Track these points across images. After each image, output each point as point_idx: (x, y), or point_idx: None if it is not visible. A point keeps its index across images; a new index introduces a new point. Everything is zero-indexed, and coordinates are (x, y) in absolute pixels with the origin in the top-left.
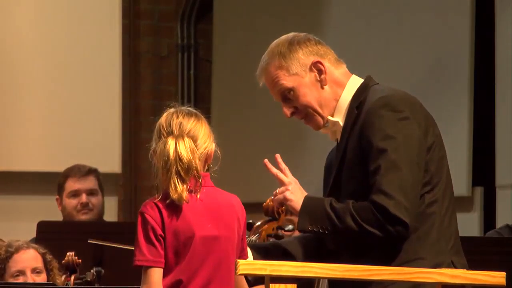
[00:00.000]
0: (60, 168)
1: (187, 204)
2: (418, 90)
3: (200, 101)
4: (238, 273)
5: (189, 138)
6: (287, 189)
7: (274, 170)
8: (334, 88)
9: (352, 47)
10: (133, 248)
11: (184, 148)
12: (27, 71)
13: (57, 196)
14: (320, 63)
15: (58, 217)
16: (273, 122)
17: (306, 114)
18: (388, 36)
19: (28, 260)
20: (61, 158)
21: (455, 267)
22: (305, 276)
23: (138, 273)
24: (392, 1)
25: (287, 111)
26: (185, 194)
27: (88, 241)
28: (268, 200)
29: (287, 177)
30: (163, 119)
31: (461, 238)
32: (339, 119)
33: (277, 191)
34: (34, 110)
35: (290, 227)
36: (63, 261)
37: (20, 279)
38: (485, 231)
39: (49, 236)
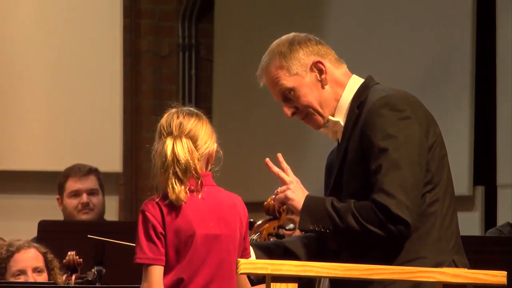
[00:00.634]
0: (61, 167)
1: (189, 203)
2: (419, 89)
3: (201, 101)
4: (239, 272)
5: (188, 138)
6: (288, 188)
7: (275, 169)
8: (334, 88)
9: (353, 46)
10: (133, 244)
11: (181, 149)
12: (28, 71)
13: (58, 196)
14: (321, 63)
15: (59, 216)
16: (274, 121)
17: (307, 114)
18: (389, 35)
19: (29, 259)
20: (62, 158)
21: (456, 266)
22: (306, 276)
23: (139, 272)
24: (393, 1)
25: (288, 111)
26: (183, 195)
27: (88, 236)
28: (269, 199)
29: (289, 176)
30: (163, 120)
31: (462, 237)
32: (340, 119)
33: (279, 190)
34: (35, 109)
35: (291, 226)
36: (64, 261)
37: (21, 279)
38: (486, 230)
39: (50, 235)
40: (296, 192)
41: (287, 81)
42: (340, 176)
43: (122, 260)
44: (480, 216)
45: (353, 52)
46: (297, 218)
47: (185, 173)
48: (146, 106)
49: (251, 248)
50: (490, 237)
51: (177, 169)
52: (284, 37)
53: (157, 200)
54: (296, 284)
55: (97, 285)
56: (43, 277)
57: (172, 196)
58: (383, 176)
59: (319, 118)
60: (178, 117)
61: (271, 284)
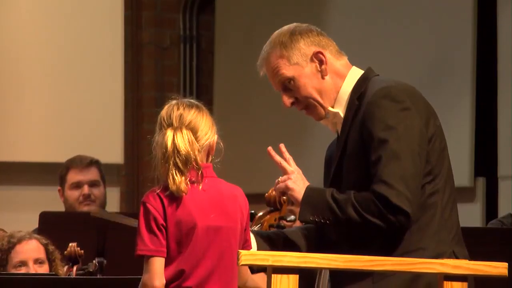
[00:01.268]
0: (63, 159)
1: (190, 195)
2: (421, 81)
3: (202, 93)
4: (241, 264)
5: (189, 130)
6: (289, 178)
7: (277, 158)
8: (334, 79)
9: (353, 41)
10: (135, 225)
11: (182, 140)
12: (29, 63)
13: (59, 188)
14: (321, 53)
15: (61, 207)
16: (275, 113)
17: (307, 104)
18: (390, 31)
19: (31, 251)
20: (64, 149)
21: (456, 257)
22: (307, 267)
23: (140, 264)
24: None
25: (287, 101)
26: (183, 186)
27: (91, 214)
28: (270, 191)
29: (291, 166)
30: (164, 111)
31: (463, 229)
32: (340, 110)
33: (279, 179)
34: (36, 101)
35: (292, 217)
36: (66, 252)
37: (23, 270)
38: (487, 221)
39: (51, 226)
40: (297, 183)
41: (287, 71)
42: (340, 167)
43: (123, 252)
44: (481, 207)
45: (354, 46)
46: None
47: (186, 164)
48: (148, 98)
49: (251, 237)
50: (491, 228)
51: (178, 160)
52: (285, 27)
53: (158, 191)
54: (297, 275)
55: (98, 277)
56: (44, 269)
57: (172, 187)
58: (383, 167)
59: (320, 109)
60: (178, 108)
61: (272, 275)
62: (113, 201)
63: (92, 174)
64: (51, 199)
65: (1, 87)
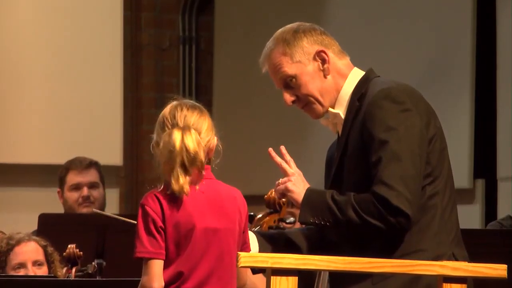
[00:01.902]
0: (62, 160)
1: (188, 196)
2: (420, 82)
3: (202, 93)
4: (240, 266)
5: (196, 130)
6: (289, 180)
7: (278, 159)
8: (336, 78)
9: (353, 40)
10: (135, 221)
11: (191, 140)
12: (28, 64)
13: (59, 189)
14: (324, 52)
15: (60, 209)
16: (274, 114)
17: (307, 102)
18: (389, 30)
19: (29, 252)
20: (63, 151)
21: (456, 259)
22: (306, 269)
23: (139, 265)
24: None
25: (288, 99)
26: (186, 187)
27: (93, 210)
28: (269, 192)
29: (291, 168)
30: (166, 111)
31: (462, 230)
32: (340, 111)
33: (280, 181)
34: (35, 102)
35: (292, 219)
36: (64, 254)
37: (21, 272)
38: (487, 223)
39: (50, 228)
40: (297, 184)
41: (289, 68)
42: (341, 168)
43: (122, 253)
44: (481, 209)
45: (353, 46)
46: (297, 211)
47: (192, 163)
48: (147, 99)
49: (253, 236)
50: (490, 230)
51: (185, 159)
52: (289, 25)
53: (158, 192)
54: (297, 277)
55: (97, 278)
56: (43, 270)
57: (175, 186)
58: (384, 168)
59: (319, 107)
60: (182, 109)
61: (271, 277)
62: (112, 203)
63: (92, 175)
64: (50, 201)
65: (0, 88)
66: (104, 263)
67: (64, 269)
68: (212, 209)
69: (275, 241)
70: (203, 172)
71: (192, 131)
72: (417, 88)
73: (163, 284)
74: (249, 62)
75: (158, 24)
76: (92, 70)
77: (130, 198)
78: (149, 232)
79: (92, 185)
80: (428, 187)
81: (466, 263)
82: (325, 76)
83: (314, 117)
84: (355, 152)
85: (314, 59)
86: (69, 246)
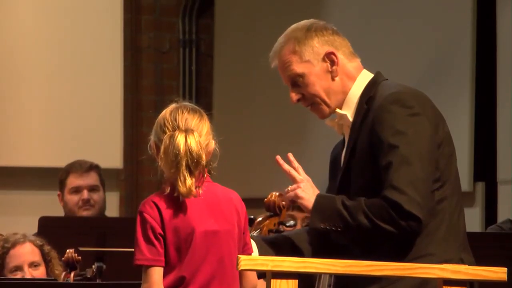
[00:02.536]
0: (62, 163)
1: (187, 200)
2: (420, 85)
3: (202, 96)
4: (240, 269)
5: (197, 133)
6: (298, 187)
7: (286, 166)
8: (344, 80)
9: (353, 41)
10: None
11: (194, 142)
12: (28, 66)
13: (59, 192)
14: (334, 54)
15: (60, 212)
16: (274, 117)
17: (313, 102)
18: (389, 31)
19: (25, 254)
20: (63, 154)
21: (463, 264)
22: (306, 272)
23: (139, 269)
24: None
25: (294, 96)
26: (194, 188)
27: (80, 249)
28: (269, 195)
29: (300, 175)
30: (167, 114)
31: None
32: (348, 113)
33: (289, 188)
34: (35, 106)
35: (292, 222)
36: (63, 258)
37: (18, 275)
38: (487, 226)
39: (50, 231)
40: (307, 191)
41: (298, 67)
42: (348, 172)
43: (122, 257)
44: (481, 212)
45: (352, 46)
46: (297, 214)
47: (196, 166)
48: (147, 102)
49: (253, 243)
50: (490, 233)
51: (190, 162)
52: (302, 22)
53: (157, 198)
54: (297, 280)
55: (97, 282)
56: (40, 271)
57: (182, 189)
58: (393, 172)
59: (325, 108)
60: (183, 112)
61: (272, 280)
62: (112, 206)
63: (92, 179)
64: (50, 204)
65: (0, 91)
66: (104, 266)
67: (63, 274)
68: (211, 211)
69: (277, 247)
70: (205, 175)
71: (195, 133)
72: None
73: None
74: (249, 65)
75: (158, 27)
76: (92, 72)
77: (130, 201)
78: (147, 240)
79: (92, 188)
80: (436, 192)
81: (466, 266)
82: (333, 78)
83: (320, 117)
84: (363, 156)
85: (323, 60)
86: (67, 250)
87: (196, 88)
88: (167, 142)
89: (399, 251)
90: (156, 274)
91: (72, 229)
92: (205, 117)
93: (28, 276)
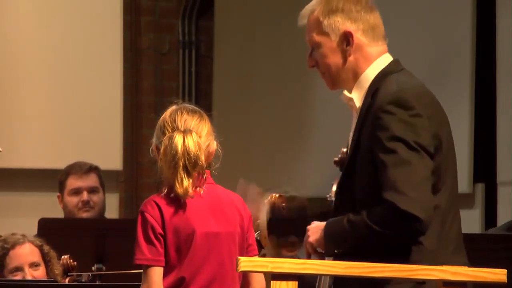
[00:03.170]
0: (62, 165)
1: (188, 201)
2: None
3: (201, 98)
4: (239, 270)
5: (196, 134)
6: (308, 236)
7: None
8: (360, 61)
9: None
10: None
11: (192, 143)
12: (28, 68)
13: (59, 194)
14: (352, 35)
15: (60, 214)
16: (274, 118)
17: (323, 72)
18: (389, 32)
19: (25, 255)
20: (63, 155)
21: None
22: (306, 273)
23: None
24: None
25: (309, 61)
26: (190, 189)
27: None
28: (269, 197)
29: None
30: (167, 115)
31: (463, 235)
32: (356, 96)
33: (303, 243)
34: (35, 107)
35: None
36: (59, 264)
37: (18, 275)
38: (486, 227)
39: (50, 233)
40: (315, 233)
41: (317, 36)
42: (352, 168)
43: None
44: (480, 213)
45: None
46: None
47: (194, 167)
48: (147, 103)
49: None
50: (490, 235)
51: (187, 163)
52: None
53: (158, 198)
54: (296, 282)
55: (97, 283)
56: (40, 272)
57: (179, 189)
58: (392, 173)
59: (331, 82)
60: (182, 113)
61: (271, 281)
62: (112, 207)
63: (92, 180)
64: (50, 205)
65: (0, 93)
66: (104, 268)
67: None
68: (212, 213)
69: None
70: (205, 176)
71: (194, 134)
72: None
73: None
74: (249, 67)
75: (158, 28)
76: (92, 74)
77: (130, 203)
78: (148, 240)
79: (92, 190)
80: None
81: (466, 268)
82: (346, 57)
83: (329, 88)
84: (365, 155)
85: (342, 37)
86: (62, 257)
87: (196, 89)
88: (166, 142)
89: (392, 257)
90: (156, 274)
91: (72, 230)
92: (206, 118)
93: (28, 276)
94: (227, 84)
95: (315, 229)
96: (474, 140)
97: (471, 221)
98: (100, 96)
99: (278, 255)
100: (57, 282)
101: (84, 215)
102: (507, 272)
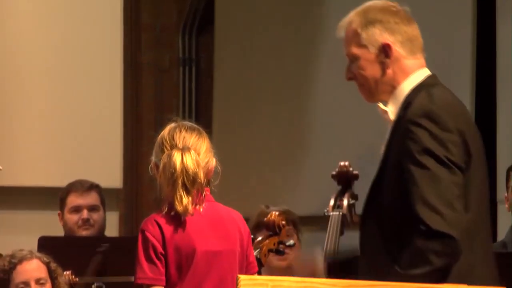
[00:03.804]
0: (62, 183)
1: (189, 219)
2: None
3: (201, 114)
4: None
5: (195, 151)
6: None
7: None
8: (397, 74)
9: None
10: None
11: (190, 160)
12: (28, 85)
13: (59, 211)
14: (390, 47)
15: (60, 232)
16: (274, 135)
17: (361, 84)
18: None
19: (32, 271)
20: (63, 173)
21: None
22: None
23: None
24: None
25: (347, 74)
26: (190, 207)
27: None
28: (269, 215)
29: None
30: (165, 133)
31: None
32: (392, 109)
33: None
34: (35, 125)
35: (292, 242)
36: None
37: None
38: None
39: (50, 251)
40: None
41: (355, 49)
42: (380, 182)
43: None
44: None
45: None
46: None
47: (193, 184)
48: (147, 120)
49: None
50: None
51: (186, 180)
52: (380, 2)
53: (159, 216)
54: None
55: None
56: None
57: (179, 207)
58: (423, 187)
59: (369, 94)
60: (180, 131)
61: None
62: (112, 225)
63: (92, 198)
64: (50, 224)
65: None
66: (104, 286)
67: None
68: (213, 231)
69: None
70: (204, 193)
71: (192, 151)
72: None
73: None
74: (249, 83)
75: (158, 45)
76: (92, 91)
77: (130, 220)
78: (149, 258)
79: (92, 208)
80: None
81: (465, 286)
82: (384, 69)
83: (366, 101)
84: (394, 169)
85: (380, 49)
86: (64, 273)
87: (196, 105)
88: (165, 160)
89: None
90: None
91: (72, 249)
92: (204, 135)
93: None
94: (227, 100)
95: None
96: None
97: None
98: (100, 113)
99: (270, 264)
100: None
101: (84, 233)
102: None
